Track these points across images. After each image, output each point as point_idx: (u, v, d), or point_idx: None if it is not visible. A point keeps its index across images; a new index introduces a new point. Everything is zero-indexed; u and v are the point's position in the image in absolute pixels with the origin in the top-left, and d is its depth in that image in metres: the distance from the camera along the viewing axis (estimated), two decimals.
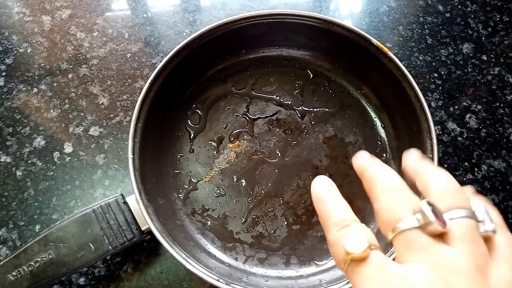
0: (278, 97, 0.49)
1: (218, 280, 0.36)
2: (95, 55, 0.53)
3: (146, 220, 0.38)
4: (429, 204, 0.22)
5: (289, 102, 0.49)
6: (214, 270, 0.38)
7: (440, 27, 0.56)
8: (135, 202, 0.39)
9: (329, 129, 0.48)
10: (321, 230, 0.43)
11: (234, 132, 0.48)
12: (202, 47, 0.46)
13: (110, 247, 0.39)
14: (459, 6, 0.57)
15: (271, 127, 0.48)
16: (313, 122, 0.48)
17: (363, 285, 0.22)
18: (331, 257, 0.42)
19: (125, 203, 0.40)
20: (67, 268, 0.38)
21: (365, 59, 0.46)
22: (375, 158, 0.29)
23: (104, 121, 0.49)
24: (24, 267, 0.37)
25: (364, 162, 0.28)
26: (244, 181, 0.46)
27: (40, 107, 0.50)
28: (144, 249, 0.43)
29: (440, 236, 0.23)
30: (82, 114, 0.50)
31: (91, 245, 0.38)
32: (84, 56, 0.53)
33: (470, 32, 0.55)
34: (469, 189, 0.27)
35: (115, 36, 0.55)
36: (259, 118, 0.49)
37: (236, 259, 0.43)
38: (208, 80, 0.50)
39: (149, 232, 0.39)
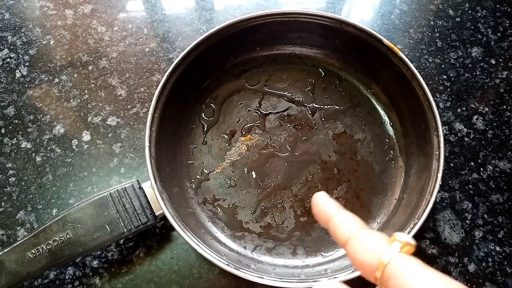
0: (289, 94, 0.51)
1: (228, 265, 0.37)
2: (114, 49, 0.55)
3: (160, 205, 0.39)
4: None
5: (300, 99, 0.51)
6: (224, 256, 0.40)
7: (450, 31, 0.57)
8: (150, 188, 0.41)
9: (339, 126, 0.49)
10: None
11: (246, 126, 0.49)
12: (218, 43, 0.48)
13: (125, 230, 0.40)
14: (469, 11, 0.58)
15: (282, 122, 0.50)
16: (323, 119, 0.50)
17: None
18: (337, 249, 0.43)
19: (141, 188, 0.42)
20: (84, 248, 0.39)
21: (376, 58, 0.47)
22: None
23: (122, 112, 0.51)
24: (42, 245, 0.39)
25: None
26: (254, 173, 0.47)
27: (60, 97, 0.52)
28: (156, 235, 0.45)
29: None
30: (101, 104, 0.52)
31: (107, 226, 0.40)
32: (104, 50, 0.55)
33: (479, 36, 0.57)
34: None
35: (135, 31, 0.57)
36: (270, 113, 0.50)
37: (244, 247, 0.44)
38: (223, 75, 0.52)
39: (162, 218, 0.41)
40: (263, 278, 0.37)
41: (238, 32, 0.48)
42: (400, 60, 0.45)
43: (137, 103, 0.52)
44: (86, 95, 0.52)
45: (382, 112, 0.50)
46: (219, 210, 0.46)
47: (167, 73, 0.44)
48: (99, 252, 0.44)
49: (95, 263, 0.44)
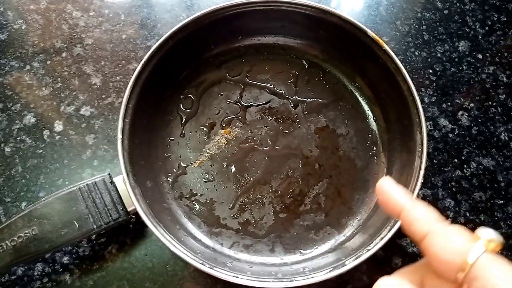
0: (272, 86, 0.49)
1: (203, 264, 0.36)
2: (90, 35, 0.53)
3: (132, 201, 0.38)
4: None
5: (283, 91, 0.49)
6: (199, 254, 0.38)
7: (438, 23, 0.56)
8: (122, 182, 0.39)
9: (321, 119, 0.48)
10: (308, 220, 0.43)
11: (226, 118, 0.48)
12: (198, 31, 0.46)
13: (95, 226, 0.38)
14: (458, 4, 0.57)
15: (263, 115, 0.48)
16: (305, 112, 0.48)
17: None
18: (316, 246, 0.42)
19: (112, 183, 0.40)
20: (50, 244, 0.37)
21: (360, 50, 0.46)
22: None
23: (96, 101, 0.49)
24: (7, 241, 0.37)
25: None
26: (233, 167, 0.46)
27: (32, 85, 0.50)
28: (129, 231, 0.43)
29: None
30: (74, 93, 0.50)
31: (75, 222, 0.38)
32: (79, 36, 0.53)
33: (467, 30, 0.55)
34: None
35: (111, 17, 0.54)
36: (252, 105, 0.48)
37: (221, 244, 0.43)
38: (203, 65, 0.50)
39: (135, 214, 0.39)
40: (238, 277, 0.36)
41: (219, 20, 0.46)
42: (385, 53, 0.43)
43: (112, 92, 0.50)
44: (59, 84, 0.50)
45: (366, 107, 0.48)
46: (196, 205, 0.44)
47: (143, 61, 0.42)
48: (69, 248, 0.42)
49: (65, 259, 0.42)
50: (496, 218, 0.45)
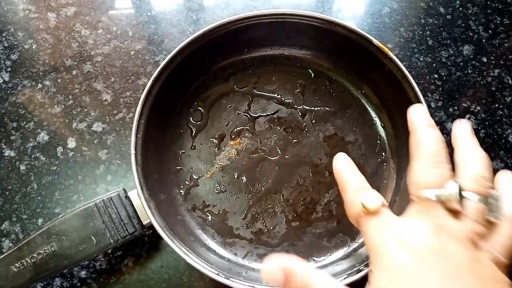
0: (279, 96, 0.50)
1: (218, 274, 0.37)
2: (99, 52, 0.54)
3: (147, 215, 0.38)
4: (458, 184, 0.27)
5: (290, 101, 0.50)
6: (214, 264, 0.39)
7: (441, 28, 0.56)
8: (136, 196, 0.40)
9: (330, 128, 0.48)
10: (320, 227, 0.44)
11: (235, 129, 0.48)
12: (205, 46, 0.46)
13: (112, 241, 0.39)
14: (460, 9, 0.58)
15: (272, 125, 0.49)
16: (313, 121, 0.49)
17: (373, 234, 0.28)
18: (329, 254, 0.43)
19: (127, 197, 0.41)
20: (69, 260, 0.38)
21: (366, 59, 0.46)
22: (429, 117, 0.33)
23: (107, 117, 0.50)
24: (27, 259, 0.38)
25: (419, 121, 0.33)
26: (244, 178, 0.46)
27: (44, 103, 0.51)
28: (145, 244, 0.44)
29: (452, 212, 0.27)
30: (86, 110, 0.51)
31: (93, 238, 0.39)
32: (88, 53, 0.54)
33: (470, 34, 0.56)
34: (503, 174, 0.31)
35: (119, 33, 0.55)
36: (260, 116, 0.49)
37: (235, 254, 0.43)
38: (211, 78, 0.50)
39: (150, 226, 0.40)
40: (254, 287, 0.36)
41: (225, 34, 0.47)
42: (390, 60, 0.44)
43: (123, 108, 0.51)
44: (70, 101, 0.51)
45: (373, 114, 0.49)
46: (209, 216, 0.45)
47: (152, 78, 0.43)
48: (86, 262, 0.43)
49: (83, 273, 0.43)
50: None
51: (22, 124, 0.50)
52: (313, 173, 0.46)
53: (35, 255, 0.38)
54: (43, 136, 0.49)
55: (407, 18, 0.57)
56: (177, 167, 0.47)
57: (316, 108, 0.49)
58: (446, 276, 0.24)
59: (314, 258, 0.43)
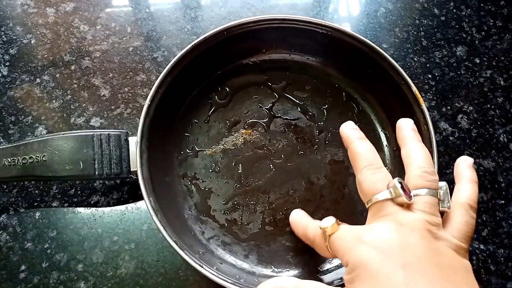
0: (305, 105, 0.50)
1: (176, 243, 0.37)
2: (97, 48, 0.54)
3: (136, 163, 0.40)
4: (400, 181, 0.29)
5: (314, 114, 0.50)
6: (178, 233, 0.40)
7: (435, 30, 0.57)
8: (134, 144, 0.41)
9: (339, 153, 0.48)
10: (290, 242, 0.44)
11: (251, 120, 0.49)
12: (257, 31, 0.48)
13: (96, 173, 0.42)
14: (454, 10, 0.59)
15: (286, 129, 0.49)
16: (327, 141, 0.48)
17: (339, 244, 0.31)
18: (288, 269, 0.43)
19: (127, 141, 0.43)
20: (53, 174, 0.41)
21: (403, 105, 0.45)
22: (358, 130, 0.36)
23: (105, 112, 0.51)
24: (19, 158, 0.41)
25: (351, 134, 0.36)
26: (240, 167, 0.47)
27: (42, 97, 0.51)
28: (141, 233, 0.44)
29: (407, 207, 0.30)
30: (84, 105, 0.51)
31: (81, 163, 0.41)
32: (86, 49, 0.54)
33: (464, 35, 0.57)
34: (460, 159, 0.35)
35: (118, 30, 0.56)
36: (279, 117, 0.49)
37: (202, 233, 0.44)
38: (248, 65, 0.51)
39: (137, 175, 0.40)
40: (202, 267, 0.37)
41: (281, 29, 0.48)
42: (421, 111, 0.43)
43: (121, 103, 0.51)
44: (68, 96, 0.51)
45: (387, 155, 0.48)
46: (194, 188, 0.46)
47: (199, 39, 0.45)
48: (83, 256, 0.43)
49: (79, 266, 0.43)
50: (497, 218, 0.46)
51: (20, 119, 0.50)
52: (305, 189, 0.46)
53: (27, 158, 0.41)
54: (41, 131, 0.49)
55: (402, 19, 0.58)
56: (185, 134, 0.48)
57: (334, 130, 0.48)
58: (408, 269, 0.26)
59: (272, 266, 0.43)
